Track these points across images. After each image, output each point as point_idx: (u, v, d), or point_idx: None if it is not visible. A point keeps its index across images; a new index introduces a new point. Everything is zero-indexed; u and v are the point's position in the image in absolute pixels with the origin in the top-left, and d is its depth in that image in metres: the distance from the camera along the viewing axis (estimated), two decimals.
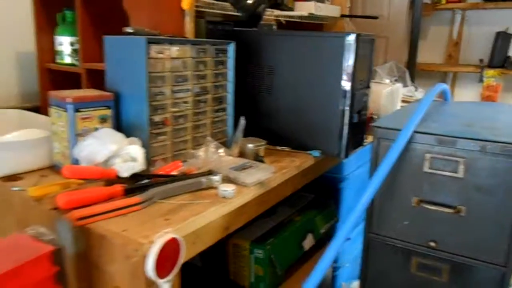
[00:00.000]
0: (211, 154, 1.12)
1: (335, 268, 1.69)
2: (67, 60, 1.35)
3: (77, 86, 1.39)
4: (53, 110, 0.99)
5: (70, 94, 0.96)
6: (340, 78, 1.21)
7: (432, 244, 1.08)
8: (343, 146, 1.27)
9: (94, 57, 1.27)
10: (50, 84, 1.41)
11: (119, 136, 0.95)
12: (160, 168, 1.02)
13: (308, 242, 1.40)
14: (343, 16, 2.28)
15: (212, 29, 1.39)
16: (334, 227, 1.59)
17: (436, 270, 1.10)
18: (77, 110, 0.95)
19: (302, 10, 1.95)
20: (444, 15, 3.05)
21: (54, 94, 0.98)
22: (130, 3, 1.10)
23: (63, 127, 0.97)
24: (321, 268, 0.96)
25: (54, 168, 1.04)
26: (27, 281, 0.63)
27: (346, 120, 1.23)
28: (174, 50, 1.04)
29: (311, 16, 1.96)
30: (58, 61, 1.36)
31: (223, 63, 1.19)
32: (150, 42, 0.96)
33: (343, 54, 1.19)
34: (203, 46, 1.11)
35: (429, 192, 1.06)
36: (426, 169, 1.05)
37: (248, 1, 1.31)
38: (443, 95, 1.50)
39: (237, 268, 1.27)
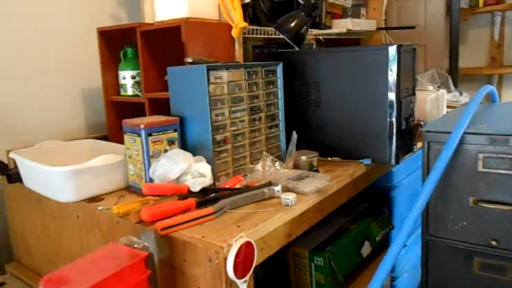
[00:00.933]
0: (268, 168, 1.20)
1: (393, 278, 1.70)
2: (130, 92, 1.49)
3: (140, 115, 1.52)
4: (127, 136, 1.11)
5: (142, 121, 1.07)
6: (386, 88, 1.26)
7: (494, 243, 1.09)
8: (393, 153, 1.31)
9: (154, 87, 1.39)
10: (116, 115, 1.55)
11: (188, 155, 1.04)
12: (225, 183, 1.11)
13: (366, 249, 1.43)
14: (379, 29, 2.34)
15: (259, 53, 1.49)
16: (390, 234, 1.60)
17: (500, 269, 1.10)
18: (149, 135, 1.06)
19: (339, 27, 2.03)
20: (483, 18, 3.02)
21: (128, 122, 1.10)
22: (188, 36, 1.22)
23: (137, 151, 1.08)
24: (382, 273, 0.99)
25: (130, 189, 1.15)
26: (127, 283, 0.72)
27: (394, 127, 1.28)
28: (230, 74, 1.14)
29: (348, 32, 2.03)
30: (122, 93, 1.51)
31: (273, 83, 1.28)
32: (209, 69, 1.06)
33: (387, 65, 1.24)
34: (254, 69, 1.21)
35: (485, 191, 1.08)
36: (480, 168, 1.08)
37: (291, 24, 1.40)
38: (490, 97, 1.51)
39: (298, 277, 1.32)
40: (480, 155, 1.07)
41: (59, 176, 1.06)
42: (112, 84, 1.53)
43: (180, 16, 1.28)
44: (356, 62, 1.31)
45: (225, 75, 1.12)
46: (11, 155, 1.24)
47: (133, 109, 1.54)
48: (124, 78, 1.48)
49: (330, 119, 1.39)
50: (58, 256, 1.23)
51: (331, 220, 1.47)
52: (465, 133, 1.08)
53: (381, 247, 1.52)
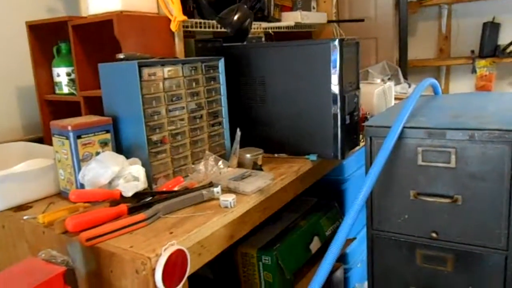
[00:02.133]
0: (210, 168, 1.16)
1: (346, 270, 1.71)
2: (65, 90, 1.40)
3: (77, 114, 1.43)
4: (55, 139, 1.03)
5: (70, 122, 1.00)
6: (329, 83, 1.25)
7: (434, 235, 1.10)
8: (339, 148, 1.30)
9: (90, 85, 1.31)
10: (51, 114, 1.46)
11: (120, 158, 0.99)
12: (163, 185, 1.05)
13: (315, 245, 1.42)
14: (330, 21, 2.34)
15: (202, 47, 1.43)
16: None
17: (441, 260, 1.12)
18: (78, 137, 0.99)
19: (288, 20, 2.00)
20: (431, 10, 3.09)
21: (55, 123, 1.02)
22: (122, 31, 1.15)
23: (66, 155, 1.01)
24: (324, 268, 0.98)
25: (61, 195, 1.08)
26: None
27: (339, 122, 1.27)
28: (166, 71, 1.08)
29: (298, 25, 2.01)
30: (57, 92, 1.41)
31: (214, 78, 1.24)
32: (141, 65, 1.00)
33: (330, 59, 1.23)
34: (193, 64, 1.16)
35: (425, 184, 1.09)
36: (420, 162, 1.08)
37: (234, 18, 1.36)
38: (433, 89, 1.53)
39: (247, 276, 1.30)
40: (419, 149, 1.08)
41: None
42: (46, 82, 1.43)
43: (113, 9, 1.20)
44: (300, 57, 1.29)
45: (160, 71, 1.06)
46: None
47: (70, 108, 1.45)
48: (58, 76, 1.39)
49: (276, 115, 1.37)
50: None
51: (281, 217, 1.45)
52: (404, 127, 1.08)
53: (330, 242, 1.52)
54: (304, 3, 2.19)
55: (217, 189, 1.00)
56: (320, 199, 1.62)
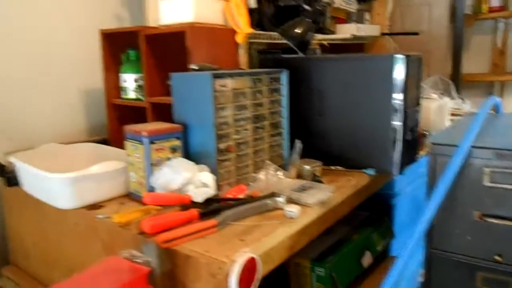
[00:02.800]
0: (271, 177, 1.19)
1: None
2: (132, 95, 1.47)
3: (142, 118, 1.51)
4: (129, 143, 1.09)
5: (144, 128, 1.05)
6: (391, 98, 1.24)
7: (498, 258, 1.08)
8: (397, 163, 1.29)
9: (157, 91, 1.38)
10: (117, 118, 1.54)
11: (191, 164, 1.03)
12: (227, 192, 1.09)
13: (366, 259, 1.42)
14: (383, 34, 2.33)
15: (263, 58, 1.47)
16: (390, 244, 1.59)
17: (503, 284, 1.09)
18: (151, 142, 1.04)
19: (343, 32, 2.01)
20: (487, 24, 3.01)
21: (130, 128, 1.08)
22: (193, 42, 1.20)
23: (139, 158, 1.06)
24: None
25: (130, 196, 1.13)
26: None
27: (400, 137, 1.26)
28: (234, 82, 1.12)
29: (352, 37, 2.02)
30: (124, 96, 1.49)
31: (277, 90, 1.27)
32: (214, 76, 1.05)
33: (393, 74, 1.23)
34: (259, 76, 1.19)
35: (491, 205, 1.07)
36: (486, 183, 1.06)
37: (297, 30, 1.38)
38: (495, 108, 1.49)
39: (299, 287, 1.31)
40: (486, 170, 1.06)
41: (58, 183, 1.04)
42: (113, 87, 1.51)
43: (185, 21, 1.26)
44: (361, 71, 1.29)
45: (229, 82, 1.10)
46: (11, 159, 1.22)
47: (135, 112, 1.52)
48: (125, 81, 1.46)
49: (333, 127, 1.38)
50: (57, 262, 1.21)
51: (332, 229, 1.45)
52: (472, 146, 1.07)
53: (381, 257, 1.51)
54: (358, 15, 2.19)
55: (281, 199, 1.03)
56: (371, 214, 1.61)
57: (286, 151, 1.33)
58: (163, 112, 1.37)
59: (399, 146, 1.27)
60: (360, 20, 2.20)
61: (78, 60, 1.68)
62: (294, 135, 1.33)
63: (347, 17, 2.16)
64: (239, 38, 1.30)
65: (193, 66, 1.13)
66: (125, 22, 1.84)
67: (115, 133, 1.54)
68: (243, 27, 1.29)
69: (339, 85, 1.35)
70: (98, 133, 1.74)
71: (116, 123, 1.54)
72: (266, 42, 1.56)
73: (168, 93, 1.40)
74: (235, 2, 1.30)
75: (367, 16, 2.28)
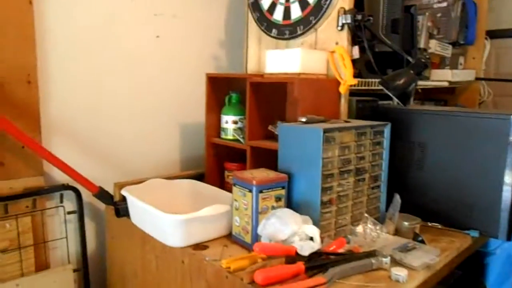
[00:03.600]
0: (369, 231, 1.18)
1: None
2: (231, 136, 1.54)
3: (238, 158, 1.57)
4: (236, 189, 1.14)
5: (253, 177, 1.10)
6: (504, 160, 1.19)
7: None
8: (505, 228, 1.22)
9: (257, 135, 1.43)
10: (214, 155, 1.61)
11: (297, 216, 1.05)
12: (328, 245, 1.09)
13: None
14: (478, 79, 2.24)
15: (361, 107, 1.48)
16: None
17: None
18: (260, 191, 1.08)
19: (438, 77, 1.96)
20: None
21: (239, 175, 1.13)
22: (300, 92, 1.24)
23: (246, 205, 1.11)
24: None
25: (232, 239, 1.18)
26: None
27: (510, 202, 1.20)
28: (341, 136, 1.14)
29: (448, 84, 1.96)
30: (223, 136, 1.56)
31: (379, 143, 1.27)
32: (325, 132, 1.07)
33: (508, 134, 1.18)
34: (363, 130, 1.20)
35: None
36: None
37: (399, 82, 1.38)
38: None
39: None
40: None
41: (171, 224, 1.12)
42: (213, 126, 1.59)
43: (291, 71, 1.31)
44: (470, 128, 1.26)
45: (338, 136, 1.12)
46: (123, 192, 1.32)
47: (232, 151, 1.59)
48: (226, 122, 1.54)
49: (434, 183, 1.34)
50: None
51: None
52: None
53: None
54: (452, 60, 2.13)
55: (386, 260, 1.02)
56: (464, 273, 1.53)
57: (383, 204, 1.31)
58: (261, 156, 1.42)
59: (508, 211, 1.21)
60: (454, 64, 2.14)
61: (180, 97, 1.81)
62: (391, 188, 1.32)
63: (440, 61, 2.11)
64: (343, 89, 1.33)
65: (301, 119, 1.16)
66: (223, 64, 1.95)
67: (212, 170, 1.62)
68: (347, 78, 1.31)
69: (441, 140, 1.32)
70: (192, 166, 1.84)
71: (213, 159, 1.62)
72: (364, 89, 1.57)
73: (266, 137, 1.46)
74: (340, 53, 1.33)
75: (461, 60, 2.21)
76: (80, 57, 1.52)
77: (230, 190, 1.52)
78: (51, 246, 1.51)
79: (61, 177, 1.47)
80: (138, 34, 1.66)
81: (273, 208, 1.12)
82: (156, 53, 1.72)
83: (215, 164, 1.62)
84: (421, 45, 1.87)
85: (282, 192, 1.13)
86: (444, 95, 2.30)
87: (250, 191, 1.09)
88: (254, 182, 1.08)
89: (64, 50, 1.48)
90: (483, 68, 2.28)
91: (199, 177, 1.65)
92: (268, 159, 1.37)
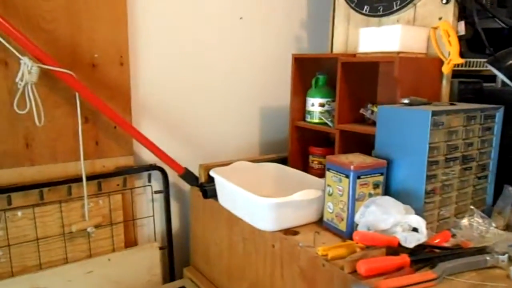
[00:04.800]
0: (477, 225, 1.07)
1: None
2: (317, 119, 1.48)
3: (325, 143, 1.51)
4: (330, 174, 1.08)
5: (350, 162, 1.03)
6: None
7: None
8: None
9: (347, 118, 1.36)
10: (298, 139, 1.57)
11: (399, 205, 0.98)
12: (432, 238, 1.01)
13: None
14: None
15: (464, 89, 1.35)
16: None
17: None
18: (358, 177, 1.02)
19: None
20: None
21: (334, 159, 1.07)
22: (400, 73, 1.15)
23: (341, 191, 1.05)
24: None
25: (323, 225, 1.13)
26: None
27: None
28: (449, 119, 1.04)
29: None
30: (309, 120, 1.50)
31: (490, 129, 1.14)
32: (433, 115, 0.98)
33: None
34: (473, 114, 1.09)
35: None
36: None
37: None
38: None
39: None
40: None
41: (264, 207, 1.09)
42: (299, 109, 1.54)
43: (389, 50, 1.21)
44: None
45: (446, 120, 1.02)
46: (212, 174, 1.32)
47: (317, 135, 1.54)
48: (312, 105, 1.48)
49: None
50: (242, 276, 1.27)
51: None
52: None
53: None
54: None
55: (503, 258, 0.91)
56: None
57: (489, 195, 1.19)
58: (351, 140, 1.35)
59: None
60: None
61: (264, 79, 1.78)
62: (499, 179, 1.19)
63: None
64: (446, 69, 1.21)
65: (404, 100, 1.08)
66: (305, 46, 1.88)
67: (295, 153, 1.58)
68: (452, 57, 1.19)
69: None
70: (272, 150, 1.81)
71: (297, 144, 1.57)
72: (465, 70, 1.43)
73: (355, 120, 1.38)
74: (444, 29, 1.21)
75: None
76: (167, 39, 1.54)
77: (314, 175, 1.47)
78: (138, 224, 1.56)
79: (149, 157, 1.50)
80: (223, 15, 1.65)
81: (370, 195, 1.05)
82: (239, 34, 1.70)
83: (298, 148, 1.57)
84: None
85: (381, 178, 1.06)
86: None
87: (347, 176, 1.03)
88: (352, 167, 1.01)
89: (153, 32, 1.50)
90: None
91: (282, 162, 1.61)
92: (358, 144, 1.30)
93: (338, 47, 1.60)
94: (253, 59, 1.75)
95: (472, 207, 1.12)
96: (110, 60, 1.41)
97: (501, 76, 1.26)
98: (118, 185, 1.48)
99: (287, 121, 1.57)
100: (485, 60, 1.30)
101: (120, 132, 1.45)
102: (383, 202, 0.98)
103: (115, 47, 1.41)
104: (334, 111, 1.38)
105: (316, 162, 1.52)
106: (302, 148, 1.57)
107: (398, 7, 1.35)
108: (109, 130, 1.44)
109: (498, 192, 1.19)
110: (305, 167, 1.57)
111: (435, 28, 1.25)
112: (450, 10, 1.24)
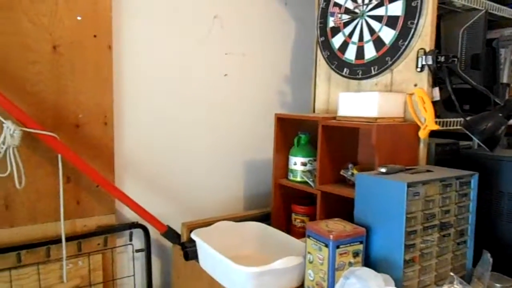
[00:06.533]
0: None
1: None
2: (300, 178, 1.49)
3: (308, 201, 1.52)
4: (311, 241, 1.09)
5: (329, 230, 1.04)
6: None
7: None
8: None
9: (327, 179, 1.38)
10: (281, 196, 1.57)
11: (379, 277, 0.97)
12: None
13: None
14: None
15: (441, 152, 1.38)
16: None
17: None
18: (337, 247, 1.02)
19: None
20: None
21: (314, 227, 1.08)
22: (378, 139, 1.18)
23: (321, 260, 1.05)
24: None
25: None
26: None
27: None
28: (425, 189, 1.06)
29: None
30: (291, 178, 1.52)
31: (466, 195, 1.16)
32: (409, 186, 1.00)
33: None
34: (449, 182, 1.11)
35: None
36: None
37: (485, 126, 1.27)
38: None
39: None
40: None
41: (244, 275, 1.08)
42: (281, 167, 1.56)
43: (367, 115, 1.25)
44: None
45: (422, 190, 1.04)
46: (193, 237, 1.31)
47: (300, 193, 1.55)
48: (295, 164, 1.50)
49: None
50: None
51: None
52: None
53: None
54: None
55: None
56: None
57: (469, 260, 1.20)
58: (332, 201, 1.36)
59: None
60: None
61: (246, 134, 1.80)
62: (477, 243, 1.20)
63: None
64: (422, 134, 1.25)
65: (381, 169, 1.10)
66: (290, 102, 1.93)
67: (279, 210, 1.58)
68: (428, 123, 1.23)
69: None
70: (257, 203, 1.81)
71: (281, 201, 1.58)
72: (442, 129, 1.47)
73: (337, 181, 1.40)
74: (420, 95, 1.26)
75: None
76: (152, 97, 1.56)
77: (296, 233, 1.47)
78: (119, 283, 1.53)
79: (131, 214, 1.49)
80: (208, 73, 1.69)
81: (350, 264, 1.05)
82: (224, 90, 1.74)
83: (282, 205, 1.58)
84: (504, 79, 1.74)
85: (360, 247, 1.06)
86: None
87: (327, 246, 1.03)
88: (331, 237, 1.02)
89: (138, 91, 1.53)
90: None
91: (265, 217, 1.61)
92: (340, 205, 1.31)
93: (320, 106, 1.64)
94: (238, 114, 1.78)
95: (451, 273, 1.12)
96: (94, 120, 1.42)
97: (475, 139, 1.30)
98: (98, 244, 1.46)
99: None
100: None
101: (102, 191, 1.44)
102: (363, 274, 0.97)
103: (99, 107, 1.43)
104: (316, 171, 1.40)
105: (298, 220, 1.52)
106: (285, 205, 1.58)
107: (376, 72, 1.40)
108: (91, 189, 1.44)
109: (478, 256, 1.20)
110: (288, 225, 1.57)
111: (411, 94, 1.30)
112: (424, 77, 1.29)
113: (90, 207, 1.44)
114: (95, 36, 1.40)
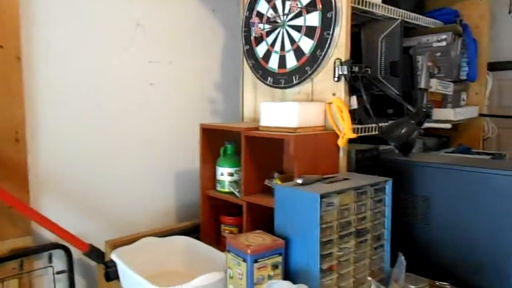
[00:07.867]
0: None
1: None
2: (227, 189, 1.48)
3: (236, 211, 1.51)
4: (231, 256, 1.08)
5: (248, 244, 1.03)
6: None
7: None
8: None
9: (253, 190, 1.38)
10: (210, 207, 1.55)
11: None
12: None
13: None
14: (482, 115, 2.19)
15: (361, 158, 1.42)
16: None
17: None
18: (255, 261, 1.02)
19: (440, 117, 1.92)
20: None
21: (233, 242, 1.07)
22: (296, 150, 1.19)
23: (240, 275, 1.04)
24: None
25: None
26: None
27: None
28: (340, 198, 1.08)
29: (451, 126, 1.91)
30: (219, 189, 1.50)
31: (381, 201, 1.20)
32: (322, 197, 1.01)
33: None
34: (364, 190, 1.14)
35: None
36: None
37: (400, 132, 1.33)
38: None
39: None
40: None
41: None
42: (209, 178, 1.54)
43: (288, 126, 1.26)
44: (478, 183, 1.19)
45: (336, 200, 1.06)
46: (113, 257, 1.25)
47: (229, 204, 1.53)
48: (222, 174, 1.49)
49: (440, 239, 1.27)
50: None
51: None
52: None
53: None
54: (454, 97, 2.08)
55: None
56: None
57: (387, 263, 1.24)
58: (258, 211, 1.36)
59: None
60: (456, 101, 2.08)
61: (174, 145, 1.76)
62: (395, 245, 1.25)
63: (442, 99, 2.06)
64: (341, 143, 1.27)
65: (298, 180, 1.11)
66: (220, 110, 1.91)
67: (208, 221, 1.56)
68: (345, 132, 1.26)
69: (449, 194, 1.25)
70: (189, 214, 1.78)
71: (210, 212, 1.56)
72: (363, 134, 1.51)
73: (263, 191, 1.40)
74: (337, 105, 1.29)
75: (463, 96, 2.16)
76: (70, 109, 1.48)
77: (225, 245, 1.45)
78: None
79: (50, 235, 1.41)
80: (132, 82, 1.63)
81: (270, 277, 1.05)
82: (151, 100, 1.69)
83: (211, 217, 1.56)
84: (422, 85, 1.82)
85: (279, 259, 1.07)
86: (447, 132, 2.24)
87: (245, 260, 1.02)
88: (249, 252, 1.01)
89: (53, 103, 1.44)
90: (486, 103, 2.23)
91: (196, 229, 1.59)
92: (266, 215, 1.31)
93: (248, 114, 1.64)
94: (167, 123, 1.74)
95: (369, 278, 1.15)
96: (3, 137, 1.33)
97: (391, 144, 1.35)
98: (14, 268, 1.37)
99: None
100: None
101: (16, 212, 1.35)
102: (279, 287, 0.98)
103: (9, 123, 1.33)
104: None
105: (227, 231, 1.51)
106: (214, 215, 1.56)
107: (297, 81, 1.42)
108: (4, 210, 1.34)
109: (395, 257, 1.24)
110: (217, 236, 1.55)
111: (330, 103, 1.32)
112: (341, 87, 1.32)
113: (3, 229, 1.35)
114: (1, 47, 1.31)
